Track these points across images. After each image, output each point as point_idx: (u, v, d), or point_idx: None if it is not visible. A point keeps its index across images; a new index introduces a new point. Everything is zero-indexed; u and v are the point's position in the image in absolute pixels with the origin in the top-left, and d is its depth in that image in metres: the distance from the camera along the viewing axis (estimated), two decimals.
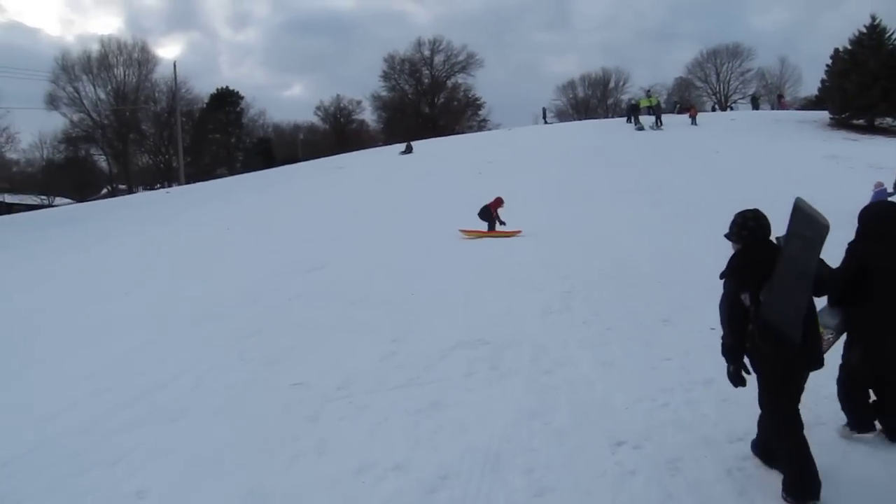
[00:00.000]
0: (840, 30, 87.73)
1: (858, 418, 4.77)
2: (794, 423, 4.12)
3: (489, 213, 16.59)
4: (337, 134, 78.32)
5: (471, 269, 12.62)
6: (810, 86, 77.50)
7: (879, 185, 14.00)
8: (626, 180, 22.58)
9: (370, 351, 7.95)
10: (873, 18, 38.29)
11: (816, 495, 4.00)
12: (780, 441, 4.19)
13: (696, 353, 7.04)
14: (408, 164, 34.07)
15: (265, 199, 29.54)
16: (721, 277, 4.22)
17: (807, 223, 3.97)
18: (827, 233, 3.94)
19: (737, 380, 4.21)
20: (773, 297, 3.97)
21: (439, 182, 26.96)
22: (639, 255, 12.16)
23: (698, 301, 9.31)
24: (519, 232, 15.98)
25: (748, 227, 4.24)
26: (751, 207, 4.36)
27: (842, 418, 4.87)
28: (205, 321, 10.09)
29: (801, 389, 4.21)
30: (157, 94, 68.14)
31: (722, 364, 4.31)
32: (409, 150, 40.21)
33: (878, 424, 4.79)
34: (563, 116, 72.98)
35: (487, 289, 10.94)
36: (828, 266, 4.35)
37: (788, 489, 4.09)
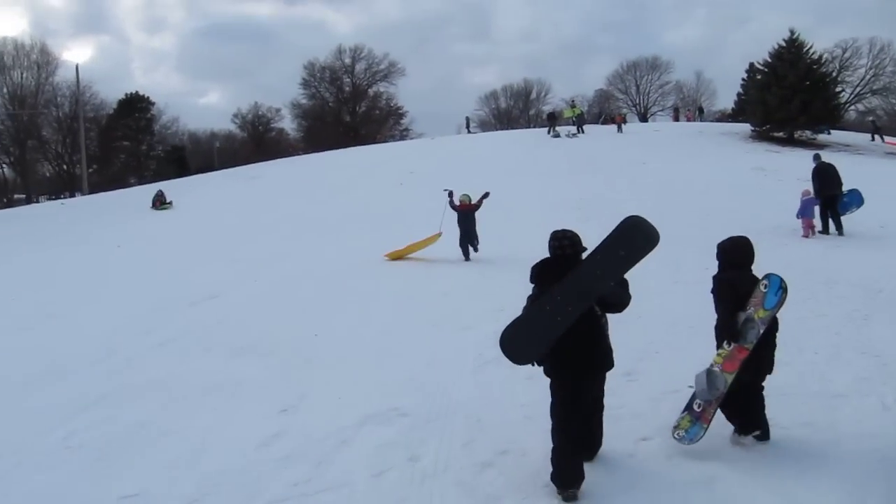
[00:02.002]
0: (747, 46, 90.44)
1: (742, 423, 5.15)
2: (566, 421, 4.59)
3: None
4: (255, 142, 75.24)
5: (387, 301, 10.70)
6: (724, 99, 79.30)
7: (807, 193, 14.15)
8: (553, 192, 21.12)
9: (248, 431, 5.88)
10: (792, 32, 38.29)
11: (571, 485, 4.46)
12: (553, 434, 4.65)
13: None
14: (326, 174, 31.82)
15: (168, 212, 26.83)
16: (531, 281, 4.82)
17: (628, 242, 4.48)
18: (650, 248, 4.48)
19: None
20: (533, 305, 4.68)
21: (359, 194, 24.91)
22: None
23: (667, 345, 7.70)
24: (439, 235, 14.24)
25: (554, 245, 4.76)
26: (565, 228, 4.83)
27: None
28: (39, 382, 7.62)
29: (578, 394, 4.63)
30: (58, 99, 63.43)
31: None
32: (161, 203, 27.86)
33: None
34: (485, 126, 71.97)
35: (406, 328, 9.05)
36: (619, 289, 4.62)
37: (553, 477, 4.55)
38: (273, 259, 15.08)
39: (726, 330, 5.09)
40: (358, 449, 5.40)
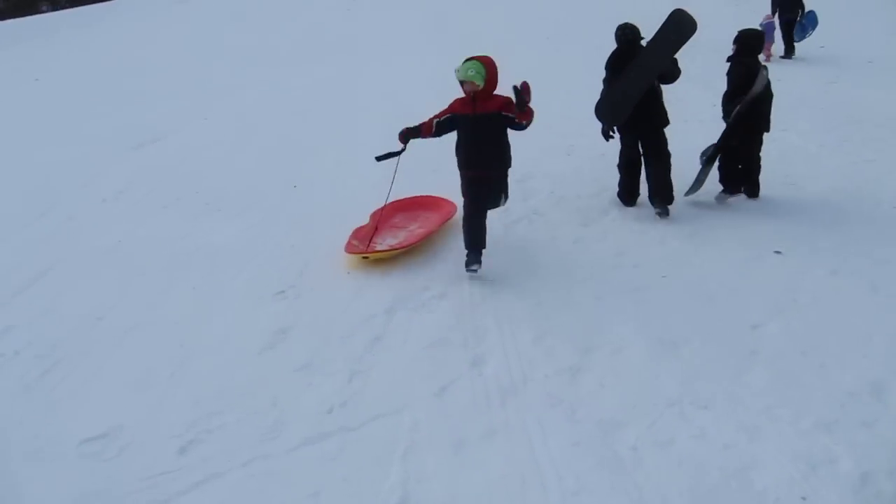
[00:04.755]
0: None
1: (729, 185, 6.26)
2: (626, 161, 6.12)
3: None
4: None
5: (369, 138, 9.02)
6: None
7: (767, 17, 13.89)
8: (520, 24, 18.69)
9: (241, 324, 4.47)
10: None
11: (627, 203, 6.21)
12: (619, 169, 6.23)
13: None
14: (263, 3, 28.45)
15: (91, 40, 23.63)
16: (605, 68, 6.08)
17: (676, 29, 5.64)
18: (692, 32, 5.63)
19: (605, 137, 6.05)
20: (614, 84, 5.88)
21: (305, 21, 22.25)
22: None
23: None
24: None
25: (619, 35, 5.95)
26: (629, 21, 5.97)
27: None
28: None
29: (639, 145, 6.03)
30: None
31: None
32: None
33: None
34: None
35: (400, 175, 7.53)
36: (672, 66, 5.77)
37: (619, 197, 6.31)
38: (221, 93, 13.05)
39: (725, 108, 6.05)
40: (398, 351, 4.08)
